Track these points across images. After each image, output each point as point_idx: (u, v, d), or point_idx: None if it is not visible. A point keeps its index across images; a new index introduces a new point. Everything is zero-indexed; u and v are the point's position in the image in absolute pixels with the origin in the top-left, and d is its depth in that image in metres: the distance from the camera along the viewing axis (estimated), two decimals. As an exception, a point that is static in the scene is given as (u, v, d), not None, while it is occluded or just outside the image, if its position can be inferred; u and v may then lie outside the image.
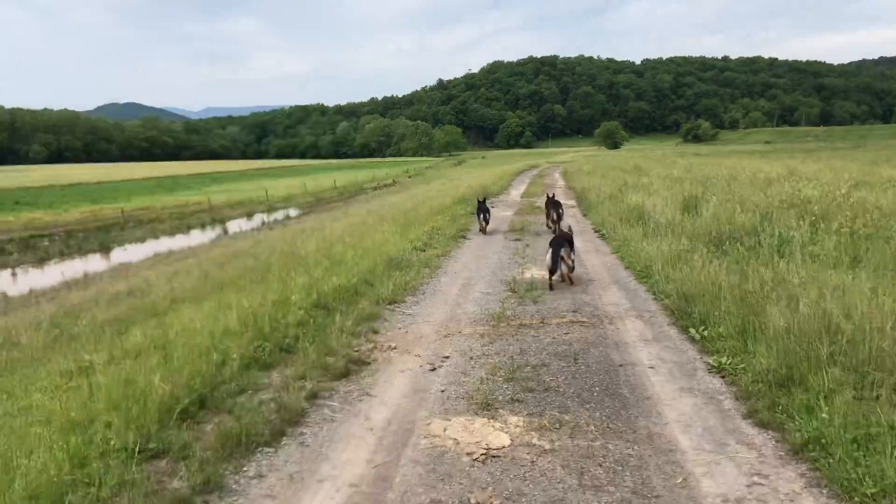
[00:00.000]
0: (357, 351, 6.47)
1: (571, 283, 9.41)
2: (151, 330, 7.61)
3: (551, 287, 9.10)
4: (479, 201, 16.00)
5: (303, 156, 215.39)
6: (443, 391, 5.49)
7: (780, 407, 4.66)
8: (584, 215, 19.61)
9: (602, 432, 4.62)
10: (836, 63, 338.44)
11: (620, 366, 5.94)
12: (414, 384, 5.68)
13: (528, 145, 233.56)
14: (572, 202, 24.39)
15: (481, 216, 15.46)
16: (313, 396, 5.36)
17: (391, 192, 49.10)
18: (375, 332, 7.23)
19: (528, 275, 10.43)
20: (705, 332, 6.46)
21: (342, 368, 5.91)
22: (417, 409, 5.16)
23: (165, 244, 28.36)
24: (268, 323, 6.82)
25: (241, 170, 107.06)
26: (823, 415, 4.27)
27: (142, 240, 30.63)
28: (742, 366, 5.49)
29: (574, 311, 7.96)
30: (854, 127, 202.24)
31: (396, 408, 5.20)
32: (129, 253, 26.62)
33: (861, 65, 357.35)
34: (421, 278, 10.22)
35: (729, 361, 5.66)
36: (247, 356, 5.99)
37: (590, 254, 12.61)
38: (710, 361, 5.84)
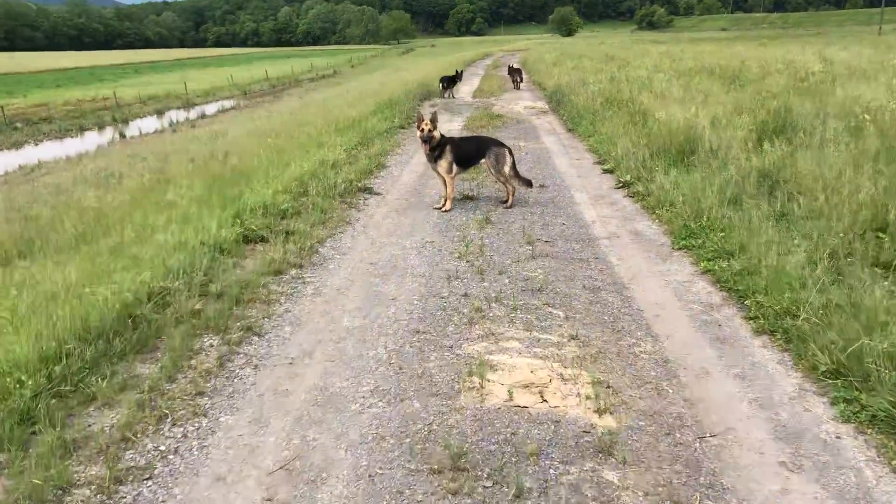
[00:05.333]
0: None
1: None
2: None
3: None
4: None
5: (243, 44, 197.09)
6: None
7: None
8: (570, 131, 12.78)
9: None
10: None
11: None
12: None
13: (479, 32, 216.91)
14: (542, 104, 17.45)
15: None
16: None
17: (329, 85, 42.17)
18: None
19: (499, 377, 3.76)
20: None
21: None
22: None
23: (43, 151, 22.31)
24: None
25: (172, 59, 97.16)
26: None
27: (18, 145, 24.79)
28: None
29: None
30: (809, 13, 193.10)
31: None
32: (-15, 165, 20.86)
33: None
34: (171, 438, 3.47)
35: None
36: None
37: (628, 254, 5.88)
38: None
